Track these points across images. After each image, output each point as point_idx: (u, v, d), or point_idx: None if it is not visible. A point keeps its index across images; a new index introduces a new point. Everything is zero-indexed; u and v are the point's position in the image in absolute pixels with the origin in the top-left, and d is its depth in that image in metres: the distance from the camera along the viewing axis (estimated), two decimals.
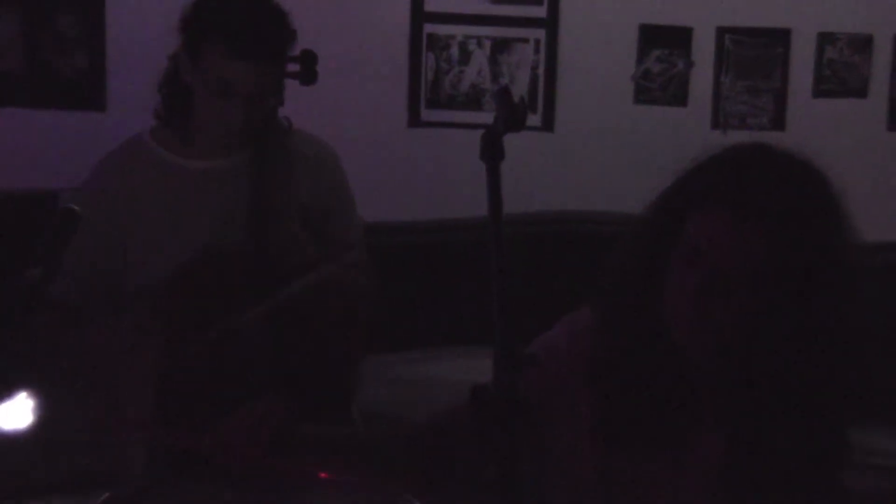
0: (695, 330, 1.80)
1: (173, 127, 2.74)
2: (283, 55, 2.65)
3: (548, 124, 4.35)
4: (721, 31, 4.35)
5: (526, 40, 4.34)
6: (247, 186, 2.63)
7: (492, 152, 1.63)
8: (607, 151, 4.33)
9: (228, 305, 2.54)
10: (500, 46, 4.34)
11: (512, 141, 1.64)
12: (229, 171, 2.69)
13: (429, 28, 4.34)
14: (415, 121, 4.37)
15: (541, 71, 4.34)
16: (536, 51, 4.34)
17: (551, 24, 4.34)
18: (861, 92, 4.37)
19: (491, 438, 1.47)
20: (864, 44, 4.35)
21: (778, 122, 4.37)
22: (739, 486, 1.84)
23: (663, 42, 4.35)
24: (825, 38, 4.35)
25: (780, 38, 4.35)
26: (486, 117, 4.34)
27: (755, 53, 4.36)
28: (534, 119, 4.32)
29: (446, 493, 1.90)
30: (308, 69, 2.72)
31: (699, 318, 1.79)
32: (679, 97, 4.37)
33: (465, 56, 4.35)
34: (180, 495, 1.89)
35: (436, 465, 2.02)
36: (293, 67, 2.72)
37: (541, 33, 4.34)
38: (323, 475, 1.94)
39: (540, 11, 4.33)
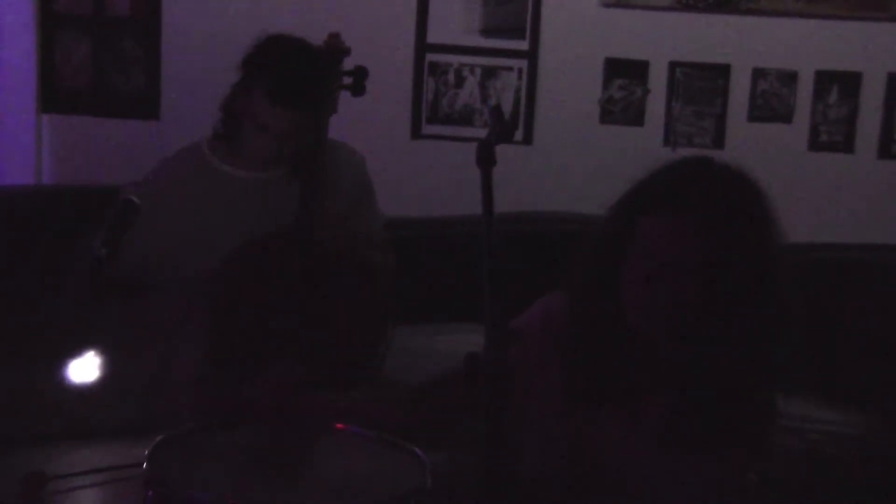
0: (645, 312, 1.82)
1: (225, 140, 2.74)
2: (317, 102, 2.63)
3: (528, 139, 4.36)
4: (673, 65, 4.36)
5: (511, 69, 4.34)
6: (282, 193, 2.61)
7: (486, 160, 1.63)
8: (577, 163, 4.34)
9: (275, 284, 2.52)
10: (489, 73, 4.35)
11: (499, 152, 1.65)
12: (269, 182, 2.68)
13: (430, 57, 4.34)
14: (417, 134, 4.38)
15: (523, 94, 4.35)
16: (519, 77, 4.35)
17: (532, 55, 4.34)
18: (787, 118, 4.38)
19: (480, 398, 1.48)
20: (790, 78, 4.36)
21: (718, 142, 4.38)
22: (682, 442, 1.85)
23: (624, 73, 4.36)
24: (758, 73, 4.36)
25: (721, 72, 4.36)
26: (477, 132, 4.38)
27: (701, 84, 4.37)
28: (516, 134, 4.32)
29: (442, 444, 1.91)
30: (359, 83, 2.71)
31: (648, 303, 1.81)
32: (637, 119, 4.38)
33: (460, 81, 4.35)
34: (220, 439, 1.89)
35: (433, 420, 2.03)
36: (346, 80, 2.70)
37: (523, 63, 4.34)
38: (339, 426, 1.94)
39: (523, 45, 4.33)
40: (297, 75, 2.59)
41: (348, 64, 2.76)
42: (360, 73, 2.71)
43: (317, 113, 2.64)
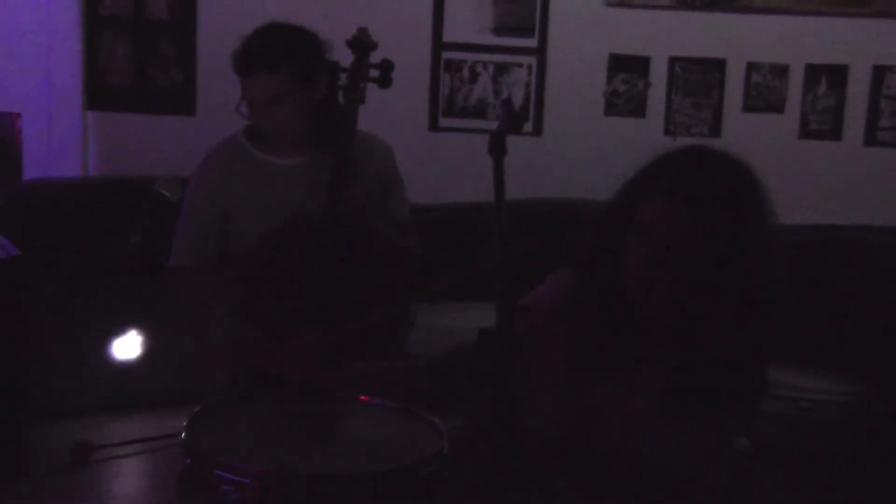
0: (644, 290, 1.81)
1: (255, 132, 2.75)
2: (283, 64, 2.58)
3: (538, 130, 4.36)
4: (672, 60, 4.35)
5: (521, 65, 4.34)
6: (316, 178, 2.60)
7: (498, 149, 1.62)
8: (583, 152, 4.34)
9: (306, 260, 2.52)
10: (501, 69, 4.34)
11: (510, 142, 1.64)
12: (302, 167, 2.68)
13: (446, 55, 4.34)
14: (434, 126, 4.38)
15: (532, 89, 4.34)
16: (529, 73, 4.34)
17: (541, 52, 4.34)
18: (779, 108, 4.37)
19: (492, 368, 1.48)
20: (781, 71, 4.35)
21: (715, 131, 4.37)
22: (677, 409, 1.85)
23: (627, 68, 4.35)
24: (752, 67, 4.35)
25: (717, 66, 4.35)
26: (490, 124, 4.37)
27: (698, 77, 4.35)
28: (527, 126, 4.32)
29: (457, 411, 1.92)
30: (385, 76, 2.68)
31: (647, 281, 1.80)
32: (639, 110, 4.37)
33: (474, 77, 4.35)
34: (253, 410, 1.90)
35: (449, 388, 2.04)
36: (374, 73, 2.68)
37: (533, 60, 4.33)
38: (363, 398, 1.95)
39: (532, 43, 4.33)
40: (250, 44, 2.60)
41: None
42: (387, 67, 2.69)
43: (297, 74, 2.60)
